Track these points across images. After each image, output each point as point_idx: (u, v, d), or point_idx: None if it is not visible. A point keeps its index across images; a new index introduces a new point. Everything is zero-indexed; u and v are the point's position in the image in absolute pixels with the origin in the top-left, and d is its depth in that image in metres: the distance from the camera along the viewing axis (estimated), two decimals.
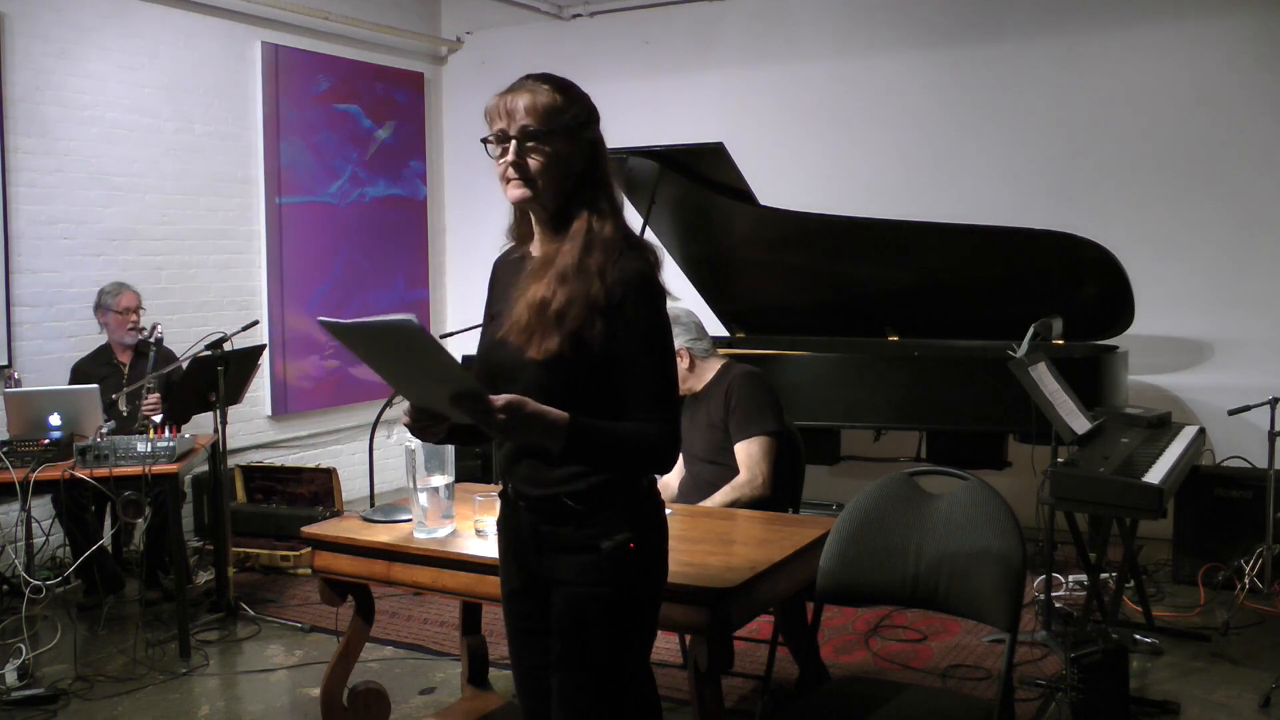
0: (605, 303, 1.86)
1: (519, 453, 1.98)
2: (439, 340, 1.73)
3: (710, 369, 3.61)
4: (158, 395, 4.54)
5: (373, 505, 3.23)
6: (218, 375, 4.38)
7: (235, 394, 4.65)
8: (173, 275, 5.81)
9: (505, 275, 2.06)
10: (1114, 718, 3.18)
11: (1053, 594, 4.09)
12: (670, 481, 3.62)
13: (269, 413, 6.31)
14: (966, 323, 5.23)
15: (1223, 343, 5.40)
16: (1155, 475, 3.33)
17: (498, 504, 2.13)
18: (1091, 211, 5.46)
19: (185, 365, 4.58)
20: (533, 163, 1.88)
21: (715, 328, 5.26)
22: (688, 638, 2.65)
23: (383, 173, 6.97)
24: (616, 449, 1.88)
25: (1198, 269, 5.38)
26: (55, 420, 4.08)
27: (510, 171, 1.89)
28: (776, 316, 5.74)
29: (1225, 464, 4.94)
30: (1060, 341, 4.79)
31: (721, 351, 3.76)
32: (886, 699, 2.39)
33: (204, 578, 4.90)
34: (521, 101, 1.87)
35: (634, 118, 6.17)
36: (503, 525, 2.11)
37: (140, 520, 4.07)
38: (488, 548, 2.69)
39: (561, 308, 1.85)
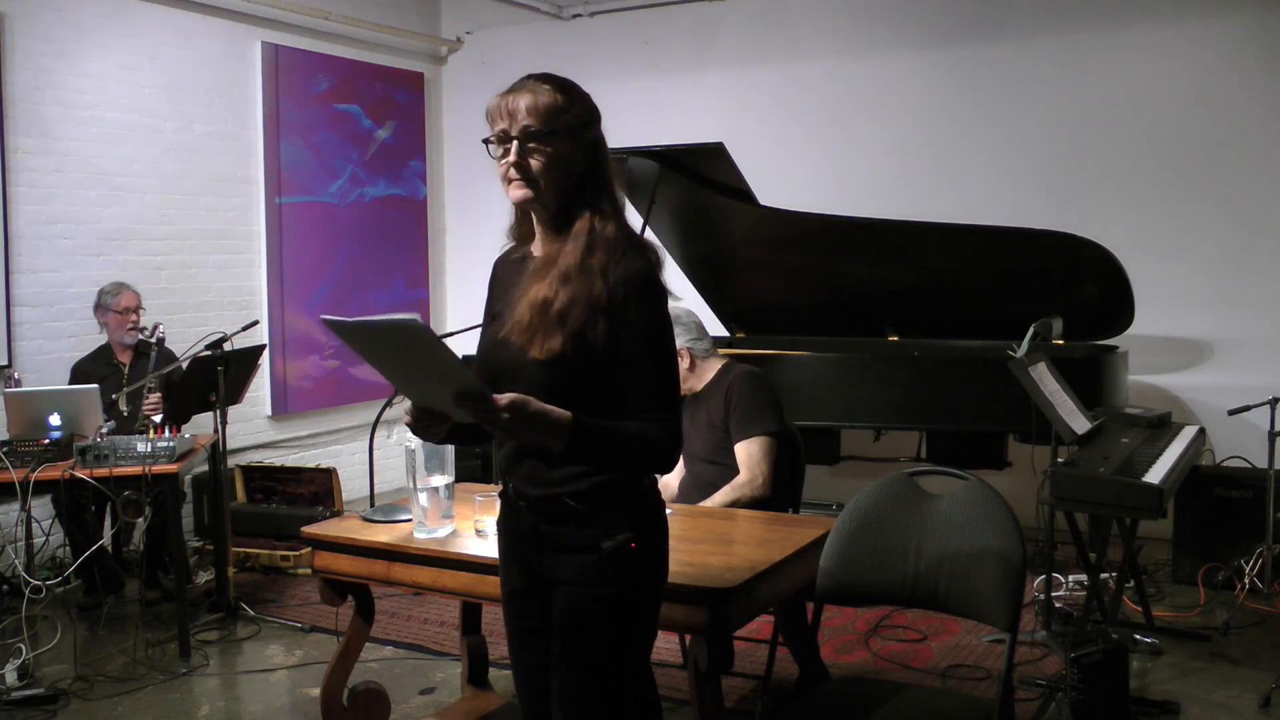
0: (607, 303, 1.86)
1: (520, 453, 1.98)
2: (442, 340, 1.72)
3: (710, 369, 3.61)
4: (159, 395, 4.54)
5: (373, 505, 3.23)
6: (218, 375, 4.38)
7: (235, 394, 4.65)
8: (173, 275, 5.81)
9: (506, 275, 2.06)
10: (1114, 718, 3.18)
11: (1053, 594, 4.09)
12: (670, 481, 3.62)
13: (269, 413, 6.31)
14: (966, 323, 5.23)
15: (1223, 343, 5.40)
16: (1155, 475, 3.33)
17: (498, 504, 2.13)
18: (1091, 211, 5.47)
19: (185, 365, 4.58)
20: (534, 163, 1.88)
21: (715, 328, 5.26)
22: (688, 638, 2.65)
23: (383, 173, 6.97)
24: (618, 448, 1.88)
25: (1198, 269, 5.38)
26: (55, 420, 4.08)
27: (512, 172, 1.89)
28: (776, 316, 5.74)
29: (1225, 464, 4.94)
30: (1060, 341, 4.79)
31: (722, 351, 3.76)
32: (886, 699, 2.39)
33: (204, 578, 4.90)
34: (523, 102, 1.87)
35: (634, 118, 6.17)
36: (503, 525, 2.11)
37: (140, 520, 4.07)
38: (488, 548, 2.69)
39: (564, 308, 1.85)
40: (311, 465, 5.70)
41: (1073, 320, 4.76)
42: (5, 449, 3.94)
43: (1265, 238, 5.26)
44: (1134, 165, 5.50)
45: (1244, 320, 5.32)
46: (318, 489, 5.47)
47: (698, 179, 5.05)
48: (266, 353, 5.53)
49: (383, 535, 2.94)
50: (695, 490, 3.53)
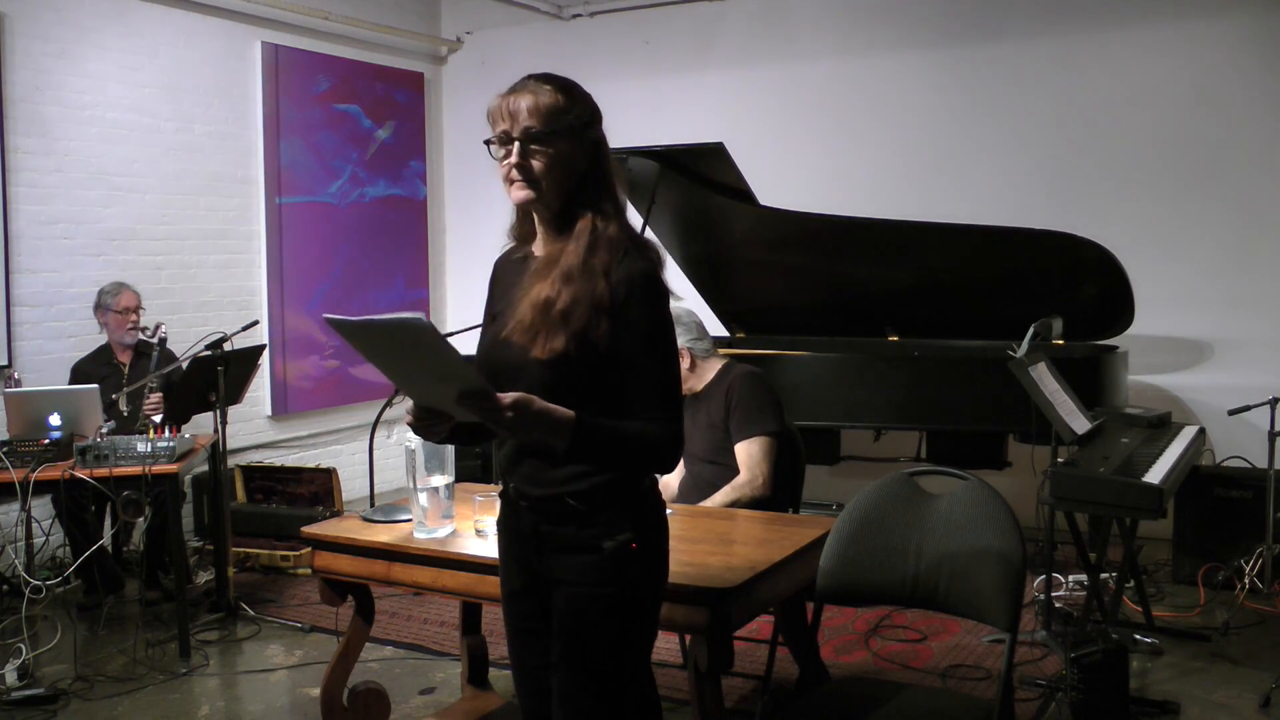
0: (610, 302, 1.86)
1: (520, 452, 1.98)
2: (447, 338, 1.71)
3: (711, 369, 3.61)
4: (160, 395, 4.54)
5: (373, 505, 3.23)
6: (218, 375, 4.38)
7: (235, 394, 4.65)
8: (173, 275, 5.81)
9: (507, 275, 2.06)
10: (1114, 718, 3.18)
11: (1053, 594, 4.09)
12: (670, 481, 3.61)
13: (269, 413, 6.31)
14: (966, 323, 5.23)
15: (1223, 343, 5.40)
16: (1155, 475, 3.33)
17: (498, 504, 2.13)
18: (1092, 211, 5.46)
19: (185, 365, 4.58)
20: (536, 164, 1.88)
21: (715, 328, 5.26)
22: (688, 638, 2.65)
23: (383, 173, 6.97)
24: (621, 448, 1.88)
25: (1197, 269, 5.38)
26: (55, 420, 4.07)
27: (514, 173, 1.89)
28: (776, 316, 5.74)
29: (1225, 464, 4.94)
30: (1060, 341, 4.79)
31: (722, 351, 3.77)
32: (886, 699, 2.39)
33: (204, 578, 4.90)
34: (524, 103, 1.87)
35: (634, 118, 6.17)
36: (503, 525, 2.11)
37: (140, 520, 4.07)
38: (488, 548, 2.69)
39: (566, 307, 1.85)
40: (311, 465, 5.70)
41: (1073, 320, 4.76)
42: (5, 449, 3.94)
43: (1265, 238, 5.26)
44: (1134, 165, 5.50)
45: (1244, 320, 5.32)
46: (318, 489, 5.47)
47: (698, 179, 5.05)
48: (266, 353, 5.53)
49: (383, 535, 2.94)
50: (695, 490, 3.53)
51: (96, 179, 5.43)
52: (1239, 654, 3.87)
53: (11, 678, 3.68)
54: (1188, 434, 3.99)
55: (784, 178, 5.85)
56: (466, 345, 2.09)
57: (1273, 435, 4.19)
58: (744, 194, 5.05)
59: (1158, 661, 3.81)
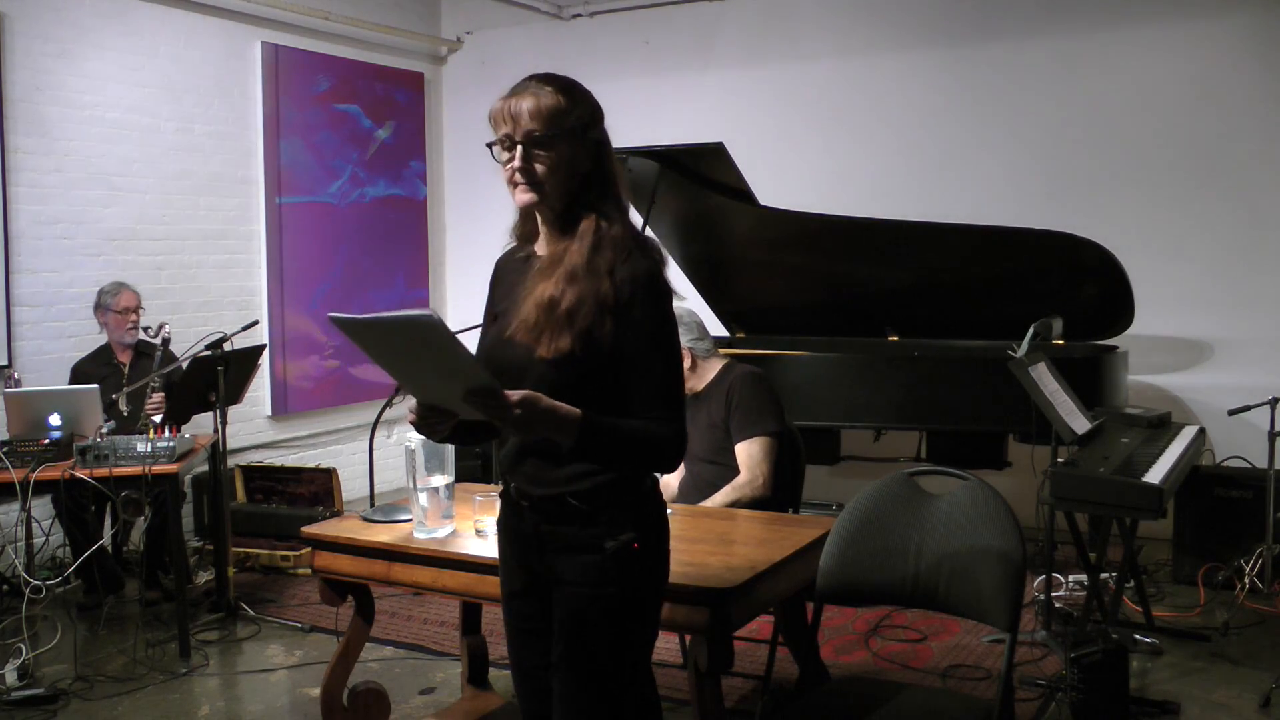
0: (614, 302, 1.86)
1: (522, 452, 1.98)
2: (456, 335, 1.70)
3: (712, 369, 3.61)
4: (162, 395, 4.54)
5: (373, 505, 3.23)
6: (218, 375, 4.38)
7: (235, 394, 4.65)
8: (173, 275, 5.81)
9: (509, 274, 2.06)
10: (1114, 718, 3.18)
11: (1053, 594, 4.09)
12: (670, 481, 3.62)
13: (269, 413, 6.31)
14: (966, 323, 5.23)
15: (1223, 343, 5.40)
16: (1155, 475, 3.33)
17: (498, 504, 2.13)
18: (1092, 211, 5.46)
19: (185, 365, 4.58)
20: (539, 167, 1.88)
21: (715, 328, 5.26)
22: (688, 638, 2.65)
23: (383, 173, 6.97)
24: (626, 446, 1.88)
25: (1197, 269, 5.38)
26: (55, 420, 4.07)
27: (517, 176, 1.89)
28: (776, 316, 5.74)
29: (1225, 464, 4.94)
30: (1060, 341, 4.79)
31: (722, 351, 3.77)
32: (886, 699, 2.39)
33: (204, 578, 4.90)
34: (525, 105, 1.87)
35: (634, 118, 6.14)
36: (504, 525, 2.11)
37: (140, 520, 4.07)
38: (488, 548, 2.69)
39: (572, 307, 1.85)
40: (311, 465, 5.70)
41: (1073, 320, 4.76)
42: (5, 449, 3.94)
43: (1265, 237, 5.26)
44: (1135, 165, 5.50)
45: (1244, 320, 5.32)
46: (318, 489, 5.47)
47: (698, 179, 5.05)
48: (266, 353, 5.53)
49: (383, 535, 2.94)
50: (695, 490, 3.53)
51: (96, 179, 5.43)
52: (1239, 654, 3.87)
53: (11, 678, 3.68)
54: (1188, 434, 3.99)
55: (784, 178, 5.85)
56: (467, 345, 2.09)
57: (1273, 435, 4.19)
58: (744, 194, 5.05)
59: (1158, 661, 3.81)
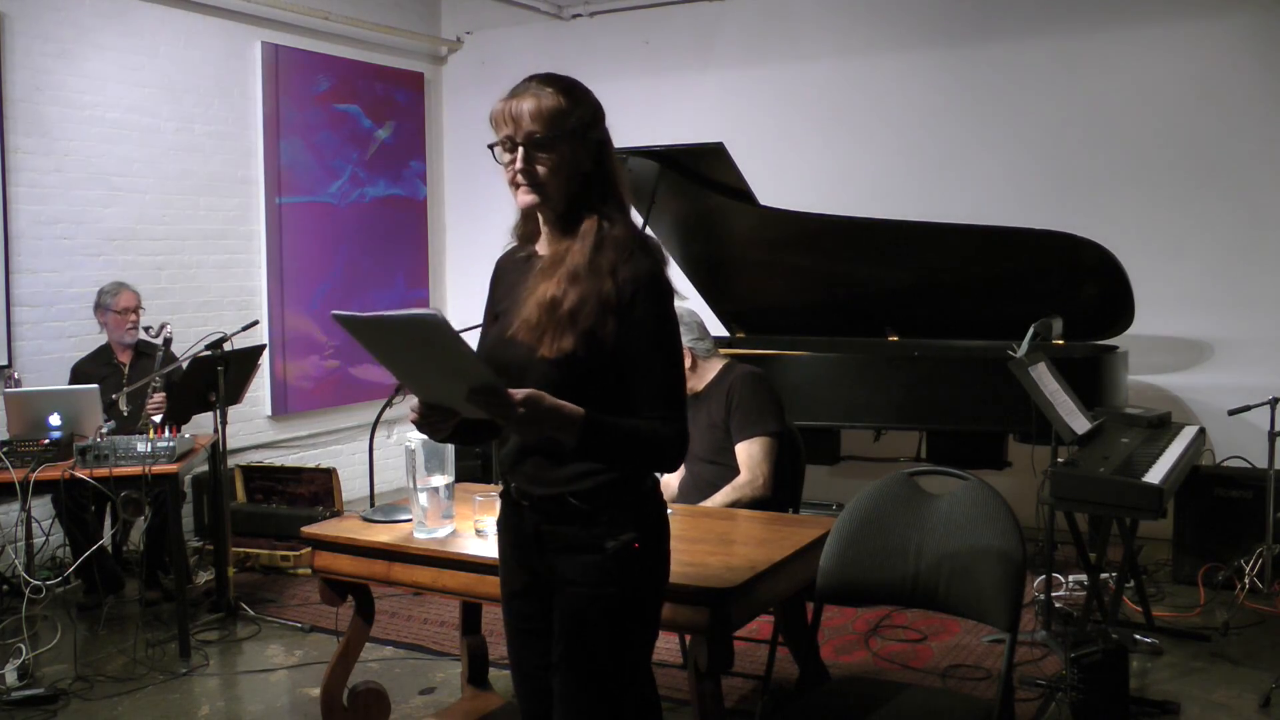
0: (616, 301, 1.86)
1: (523, 452, 1.98)
2: (460, 334, 1.70)
3: (712, 369, 3.61)
4: (163, 394, 4.54)
5: (373, 505, 3.23)
6: (218, 375, 4.38)
7: (235, 394, 4.65)
8: (173, 275, 5.81)
9: (510, 274, 2.06)
10: (1114, 718, 3.18)
11: (1053, 594, 4.09)
12: (670, 481, 3.62)
13: (269, 413, 6.31)
14: (966, 323, 5.23)
15: (1223, 343, 5.40)
16: (1155, 475, 3.33)
17: (498, 504, 2.13)
18: (1092, 211, 5.46)
19: (185, 365, 4.58)
20: (541, 168, 1.88)
21: (715, 328, 5.26)
22: (688, 638, 2.65)
23: (383, 173, 6.97)
24: (628, 445, 1.88)
25: (1198, 269, 5.38)
26: (55, 420, 4.07)
27: (519, 178, 1.89)
28: (776, 316, 5.74)
29: (1225, 464, 4.94)
30: (1060, 341, 4.79)
31: (722, 351, 3.77)
32: (886, 699, 2.39)
33: (204, 578, 4.90)
34: (526, 106, 1.87)
35: (634, 118, 6.14)
36: (504, 525, 2.11)
37: (140, 520, 4.07)
38: (488, 548, 2.69)
39: (574, 307, 1.85)
40: (311, 465, 5.70)
41: (1073, 320, 4.76)
42: (5, 449, 3.93)
43: (1265, 237, 5.26)
44: (1135, 165, 5.50)
45: (1244, 320, 5.32)
46: (318, 489, 5.47)
47: (698, 179, 5.05)
48: (266, 353, 5.53)
49: (383, 535, 2.94)
50: (695, 490, 3.53)
51: (96, 179, 5.43)
52: (1239, 654, 3.87)
53: (11, 678, 3.68)
54: (1188, 434, 3.99)
55: (784, 178, 5.85)
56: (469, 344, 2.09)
57: (1273, 435, 4.19)
58: (744, 194, 5.05)
59: (1158, 661, 3.81)
